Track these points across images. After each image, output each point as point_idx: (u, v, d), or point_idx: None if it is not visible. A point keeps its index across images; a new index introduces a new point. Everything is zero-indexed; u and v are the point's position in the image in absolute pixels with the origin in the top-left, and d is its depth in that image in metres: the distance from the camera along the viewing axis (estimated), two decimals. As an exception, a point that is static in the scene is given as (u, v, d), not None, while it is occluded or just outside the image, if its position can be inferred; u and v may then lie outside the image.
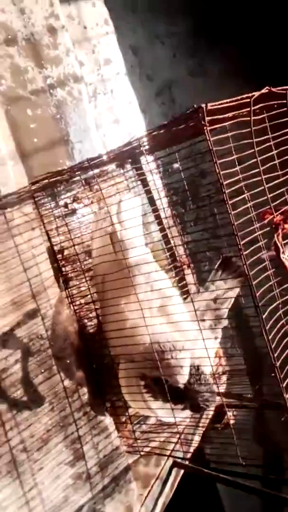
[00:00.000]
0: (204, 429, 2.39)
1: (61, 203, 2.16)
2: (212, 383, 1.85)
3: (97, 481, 1.88)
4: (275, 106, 1.78)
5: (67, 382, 1.87)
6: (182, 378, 1.74)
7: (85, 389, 1.92)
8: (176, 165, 2.21)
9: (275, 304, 1.66)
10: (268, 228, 1.69)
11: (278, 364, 1.58)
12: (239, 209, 1.57)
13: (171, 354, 1.71)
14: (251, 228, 1.64)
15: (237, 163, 1.61)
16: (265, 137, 1.72)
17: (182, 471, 2.25)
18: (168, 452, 2.10)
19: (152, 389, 1.85)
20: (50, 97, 2.26)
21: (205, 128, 1.51)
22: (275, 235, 1.67)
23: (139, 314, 1.74)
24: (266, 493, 2.28)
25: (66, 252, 2.14)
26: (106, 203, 1.97)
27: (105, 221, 1.97)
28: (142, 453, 2.04)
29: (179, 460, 2.20)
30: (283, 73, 3.47)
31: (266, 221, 1.71)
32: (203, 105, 1.49)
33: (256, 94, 1.61)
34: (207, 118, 1.51)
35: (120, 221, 1.91)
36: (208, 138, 1.51)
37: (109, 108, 2.71)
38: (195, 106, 1.51)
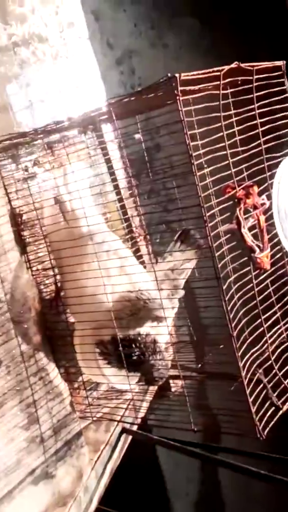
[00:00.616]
0: (152, 397, 2.46)
1: (22, 166, 2.11)
2: (167, 357, 1.91)
3: (50, 445, 1.90)
4: (239, 82, 1.82)
5: (24, 347, 1.86)
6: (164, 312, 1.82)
7: (41, 354, 1.92)
8: (137, 136, 2.21)
9: (232, 278, 1.73)
10: (225, 204, 1.74)
11: (234, 334, 1.65)
12: (201, 184, 1.60)
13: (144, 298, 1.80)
14: (209, 203, 1.68)
15: (198, 138, 1.64)
16: (229, 112, 1.76)
17: (130, 437, 2.31)
18: (118, 418, 2.14)
19: (107, 354, 1.88)
20: (14, 56, 2.19)
21: (178, 97, 1.53)
22: (237, 209, 1.72)
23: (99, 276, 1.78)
24: (205, 457, 2.39)
25: (25, 217, 2.10)
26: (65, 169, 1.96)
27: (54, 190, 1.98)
28: (94, 418, 2.07)
29: (128, 426, 2.25)
30: (241, 48, 3.53)
31: (227, 196, 1.76)
32: (177, 75, 1.51)
33: (226, 68, 1.64)
34: (179, 88, 1.52)
35: (68, 191, 1.92)
36: (180, 108, 1.53)
37: (71, 73, 2.65)
38: (168, 75, 1.52)
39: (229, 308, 1.63)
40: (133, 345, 1.85)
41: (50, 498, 1.86)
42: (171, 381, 2.66)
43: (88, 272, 1.83)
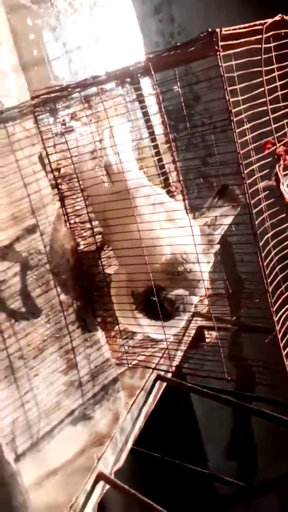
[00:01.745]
0: (186, 346, 2.53)
1: (60, 120, 2.14)
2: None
3: (87, 389, 2.00)
4: (283, 34, 1.76)
5: (62, 297, 1.94)
6: (200, 291, 1.87)
7: (79, 304, 2.00)
8: (175, 88, 2.18)
9: (269, 234, 1.74)
10: (265, 161, 1.73)
11: (270, 289, 1.68)
12: (240, 140, 1.60)
13: (189, 266, 1.83)
14: (249, 160, 1.67)
15: (239, 93, 1.62)
16: (271, 66, 1.72)
17: (164, 384, 2.40)
18: (153, 366, 2.23)
19: (138, 304, 1.94)
20: (51, 7, 2.18)
21: (218, 53, 1.50)
22: (277, 166, 1.71)
23: (150, 231, 1.82)
24: (237, 405, 2.46)
25: (62, 170, 2.14)
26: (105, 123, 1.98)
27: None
28: (130, 365, 2.16)
29: (162, 374, 2.34)
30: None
31: (267, 152, 1.75)
32: (218, 30, 1.48)
33: (269, 21, 1.59)
34: (220, 43, 1.50)
35: (113, 145, 1.93)
36: (220, 64, 1.51)
37: (108, 22, 2.62)
38: (209, 29, 1.49)
39: (265, 264, 1.66)
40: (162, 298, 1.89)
41: (88, 437, 1.98)
42: (205, 331, 2.73)
43: (140, 225, 1.86)
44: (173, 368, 2.36)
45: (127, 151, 1.99)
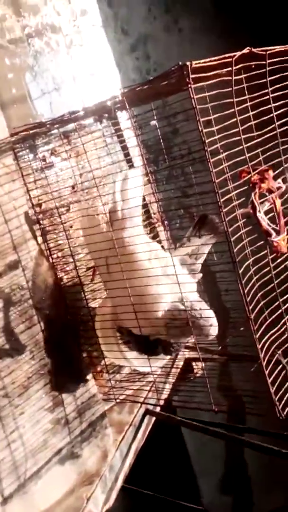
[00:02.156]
0: (174, 379, 2.50)
1: (39, 156, 2.15)
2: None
3: (75, 426, 1.96)
4: (253, 67, 1.81)
5: (47, 332, 1.92)
6: (214, 330, 1.85)
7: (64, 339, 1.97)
8: (153, 122, 2.22)
9: (250, 261, 1.74)
10: (242, 189, 1.75)
11: (252, 316, 1.67)
12: (216, 169, 1.62)
13: (196, 313, 1.81)
14: (226, 188, 1.69)
15: (213, 123, 1.64)
16: (243, 97, 1.76)
17: (153, 419, 2.36)
18: (141, 400, 2.19)
19: (129, 341, 1.92)
20: (28, 47, 2.22)
21: (189, 85, 1.53)
22: (252, 194, 1.73)
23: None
24: (228, 437, 2.42)
25: (43, 206, 2.15)
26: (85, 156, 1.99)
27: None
28: (117, 400, 2.12)
29: (151, 408, 2.30)
30: (257, 31, 3.48)
31: (243, 180, 1.77)
32: (188, 63, 1.51)
33: (238, 54, 1.63)
34: (191, 76, 1.53)
35: (124, 199, 1.94)
36: (192, 96, 1.53)
37: (85, 61, 2.67)
38: (180, 63, 1.52)
39: (246, 291, 1.66)
40: None
41: (77, 476, 1.93)
42: (193, 363, 2.71)
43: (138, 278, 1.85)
44: (162, 402, 2.32)
45: (135, 203, 1.98)
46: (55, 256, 2.12)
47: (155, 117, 2.16)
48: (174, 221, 2.73)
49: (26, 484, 1.76)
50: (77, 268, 2.11)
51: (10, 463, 1.72)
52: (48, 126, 2.02)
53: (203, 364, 2.23)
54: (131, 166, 2.50)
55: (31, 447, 1.81)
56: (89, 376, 2.05)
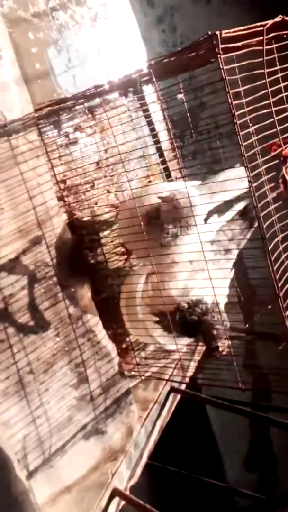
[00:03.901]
0: (199, 357, 2.49)
1: (64, 132, 2.13)
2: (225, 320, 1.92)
3: (99, 403, 1.97)
4: (285, 36, 1.74)
5: (71, 309, 1.92)
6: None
7: (88, 316, 1.97)
8: (179, 96, 2.17)
9: (279, 237, 1.70)
10: (272, 163, 1.70)
11: (281, 294, 1.64)
12: (245, 143, 1.57)
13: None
14: (255, 162, 1.64)
15: (242, 95, 1.59)
16: (274, 68, 1.69)
17: (178, 396, 2.35)
18: (166, 377, 2.19)
19: (168, 324, 1.91)
20: (52, 21, 2.18)
21: (219, 55, 1.48)
22: (283, 168, 1.68)
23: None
24: (254, 415, 2.40)
25: (68, 182, 2.13)
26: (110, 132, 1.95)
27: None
28: (142, 377, 2.12)
29: (176, 385, 2.30)
30: (283, 2, 3.37)
31: (273, 154, 1.72)
32: (218, 32, 1.46)
33: (270, 22, 1.57)
34: (221, 46, 1.48)
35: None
36: (221, 67, 1.49)
37: (110, 34, 2.62)
38: (209, 33, 1.47)
39: (275, 268, 1.62)
40: (194, 312, 1.87)
41: (101, 452, 1.94)
42: (219, 341, 2.69)
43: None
44: (187, 379, 2.32)
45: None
46: (79, 233, 2.11)
47: (181, 91, 2.11)
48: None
49: (51, 458, 1.78)
50: (102, 245, 2.10)
51: (35, 438, 1.74)
52: (72, 101, 1.99)
53: (230, 342, 2.21)
54: (157, 142, 2.46)
55: (56, 423, 1.82)
56: (114, 353, 2.04)
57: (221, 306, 1.95)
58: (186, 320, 1.86)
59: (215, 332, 1.89)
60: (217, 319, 1.89)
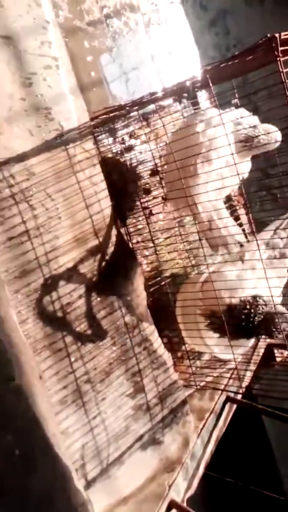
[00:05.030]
0: (255, 366, 2.43)
1: (119, 139, 2.13)
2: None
3: (156, 413, 1.95)
4: None
5: (127, 318, 1.90)
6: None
7: (145, 325, 1.95)
8: (234, 101, 2.13)
9: None
10: None
11: None
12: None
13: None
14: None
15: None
16: None
17: (234, 406, 2.31)
18: (222, 387, 2.15)
19: (220, 325, 1.87)
20: (106, 28, 2.19)
21: (278, 58, 1.45)
22: None
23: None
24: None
25: (124, 190, 2.12)
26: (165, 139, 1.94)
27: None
28: (198, 387, 2.09)
29: (232, 395, 2.25)
30: None
31: None
32: (277, 35, 1.42)
33: None
34: (280, 48, 1.44)
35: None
36: (281, 69, 1.45)
37: (163, 39, 2.61)
38: (268, 35, 1.44)
39: None
40: (248, 310, 1.83)
41: (158, 463, 1.92)
42: (275, 350, 2.62)
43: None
44: (243, 389, 2.27)
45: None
46: (134, 241, 2.11)
47: (236, 95, 2.07)
48: (254, 203, 2.64)
49: (109, 469, 1.77)
50: (157, 253, 2.08)
51: (93, 448, 1.74)
52: (127, 108, 1.99)
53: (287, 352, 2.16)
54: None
55: (113, 433, 1.82)
56: (170, 362, 2.02)
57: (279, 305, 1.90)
58: (246, 318, 1.82)
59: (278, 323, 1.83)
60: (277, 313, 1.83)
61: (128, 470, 1.81)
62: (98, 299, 1.84)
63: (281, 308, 1.84)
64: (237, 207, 2.54)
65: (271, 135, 1.87)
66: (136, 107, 2.03)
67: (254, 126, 1.92)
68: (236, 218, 2.55)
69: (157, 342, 1.99)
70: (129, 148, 2.17)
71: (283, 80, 1.45)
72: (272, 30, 1.43)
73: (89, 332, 1.80)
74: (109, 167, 2.03)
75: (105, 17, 2.17)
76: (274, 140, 1.90)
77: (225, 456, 2.41)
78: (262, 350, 2.51)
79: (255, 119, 1.95)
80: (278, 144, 1.92)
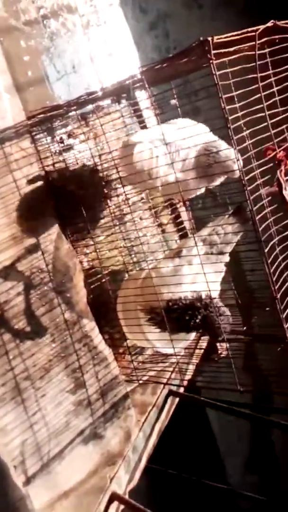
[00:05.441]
0: (198, 360, 2.49)
1: (57, 138, 2.14)
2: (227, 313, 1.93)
3: (97, 408, 1.97)
4: (277, 41, 1.75)
5: (67, 315, 1.93)
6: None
7: (85, 322, 1.98)
8: (173, 101, 2.18)
9: (275, 240, 1.71)
10: (267, 166, 1.70)
11: (278, 296, 1.64)
12: (239, 147, 1.58)
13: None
14: (250, 166, 1.65)
15: (236, 100, 1.60)
16: (267, 72, 1.70)
17: (177, 399, 2.36)
18: (164, 381, 2.19)
19: (160, 320, 1.91)
20: (43, 29, 2.20)
21: (211, 61, 1.49)
22: (278, 171, 1.69)
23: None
24: (254, 417, 2.40)
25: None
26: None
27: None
28: (140, 381, 2.12)
29: (174, 389, 2.30)
30: (278, 6, 3.37)
31: (268, 158, 1.72)
32: (210, 38, 1.46)
33: (261, 27, 1.58)
34: (213, 52, 1.48)
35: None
36: (214, 72, 1.49)
37: (103, 41, 2.64)
38: (201, 39, 1.48)
39: (272, 270, 1.63)
40: (186, 306, 1.88)
41: (100, 457, 1.94)
42: (217, 344, 2.69)
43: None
44: (185, 383, 2.32)
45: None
46: (74, 238, 2.12)
47: (175, 96, 2.12)
48: (196, 201, 2.70)
49: (49, 464, 1.78)
50: (97, 251, 2.11)
51: (33, 444, 1.75)
52: (65, 108, 2.01)
53: (228, 345, 2.22)
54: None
55: (54, 428, 1.83)
56: (111, 358, 2.05)
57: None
58: (183, 314, 1.86)
59: (219, 323, 1.88)
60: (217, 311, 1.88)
61: (69, 465, 1.83)
62: (37, 296, 1.85)
63: (221, 307, 1.89)
64: (178, 205, 2.59)
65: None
66: (74, 107, 2.05)
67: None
68: (177, 216, 2.61)
69: (97, 338, 2.02)
70: (68, 148, 2.19)
71: (216, 82, 1.50)
72: (210, 33, 1.46)
73: (28, 329, 1.81)
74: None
75: (42, 18, 2.18)
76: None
77: (170, 449, 2.46)
78: (204, 344, 2.57)
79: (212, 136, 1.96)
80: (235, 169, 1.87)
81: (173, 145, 1.90)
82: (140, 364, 2.21)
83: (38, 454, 1.76)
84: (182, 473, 2.52)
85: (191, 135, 1.89)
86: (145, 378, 2.17)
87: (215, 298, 1.90)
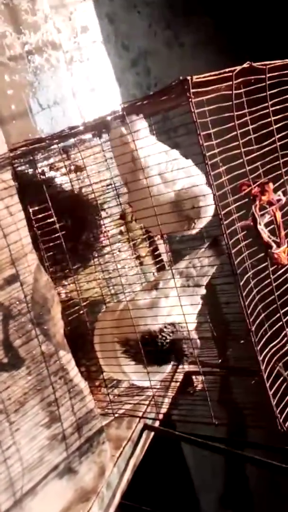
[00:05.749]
0: (173, 393, 2.49)
1: (39, 171, 2.16)
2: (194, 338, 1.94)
3: (71, 442, 1.95)
4: (253, 81, 1.81)
5: (44, 347, 1.91)
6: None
7: (61, 354, 1.96)
8: (152, 136, 2.23)
9: (250, 273, 1.74)
10: (242, 201, 1.75)
11: (253, 328, 1.66)
12: (216, 182, 1.62)
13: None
14: (226, 201, 1.69)
15: (213, 137, 1.65)
16: (243, 111, 1.76)
17: (152, 433, 2.34)
18: (140, 414, 2.18)
19: (136, 353, 1.92)
20: (28, 64, 2.25)
21: (190, 99, 1.54)
22: (253, 206, 1.73)
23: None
24: (229, 452, 2.39)
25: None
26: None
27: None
28: (116, 415, 2.11)
29: (149, 423, 2.29)
30: (256, 45, 3.50)
31: (243, 193, 1.77)
32: (189, 77, 1.51)
33: (238, 68, 1.64)
34: (192, 90, 1.53)
35: None
36: (192, 110, 1.54)
37: (85, 77, 2.70)
38: (180, 78, 1.53)
39: (247, 303, 1.65)
40: (159, 338, 1.89)
41: (73, 493, 1.91)
42: (193, 376, 2.69)
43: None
44: (161, 416, 2.31)
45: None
46: (53, 270, 2.13)
47: (154, 132, 2.17)
48: (174, 234, 2.73)
49: (22, 500, 1.75)
50: (76, 282, 2.11)
51: (6, 479, 1.71)
52: (47, 141, 2.04)
53: (203, 378, 2.22)
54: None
55: (27, 463, 1.80)
56: (87, 391, 2.04)
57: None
58: (159, 346, 1.87)
59: (185, 347, 1.89)
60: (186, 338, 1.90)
61: (42, 501, 1.79)
62: (14, 328, 1.84)
63: (191, 334, 1.91)
64: (156, 238, 2.62)
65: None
66: (56, 140, 2.08)
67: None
68: (155, 249, 2.64)
69: (73, 371, 2.00)
70: (50, 180, 2.21)
71: (195, 120, 1.54)
72: (190, 71, 1.52)
73: (4, 361, 1.80)
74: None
75: (26, 53, 2.23)
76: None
77: (144, 484, 2.43)
78: (180, 377, 2.57)
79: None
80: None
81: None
82: (116, 397, 2.20)
83: (11, 489, 1.72)
84: (156, 510, 2.50)
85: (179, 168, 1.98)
86: (120, 411, 2.16)
87: (182, 325, 1.91)
